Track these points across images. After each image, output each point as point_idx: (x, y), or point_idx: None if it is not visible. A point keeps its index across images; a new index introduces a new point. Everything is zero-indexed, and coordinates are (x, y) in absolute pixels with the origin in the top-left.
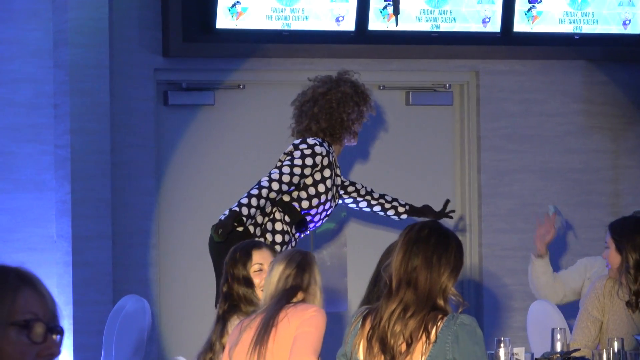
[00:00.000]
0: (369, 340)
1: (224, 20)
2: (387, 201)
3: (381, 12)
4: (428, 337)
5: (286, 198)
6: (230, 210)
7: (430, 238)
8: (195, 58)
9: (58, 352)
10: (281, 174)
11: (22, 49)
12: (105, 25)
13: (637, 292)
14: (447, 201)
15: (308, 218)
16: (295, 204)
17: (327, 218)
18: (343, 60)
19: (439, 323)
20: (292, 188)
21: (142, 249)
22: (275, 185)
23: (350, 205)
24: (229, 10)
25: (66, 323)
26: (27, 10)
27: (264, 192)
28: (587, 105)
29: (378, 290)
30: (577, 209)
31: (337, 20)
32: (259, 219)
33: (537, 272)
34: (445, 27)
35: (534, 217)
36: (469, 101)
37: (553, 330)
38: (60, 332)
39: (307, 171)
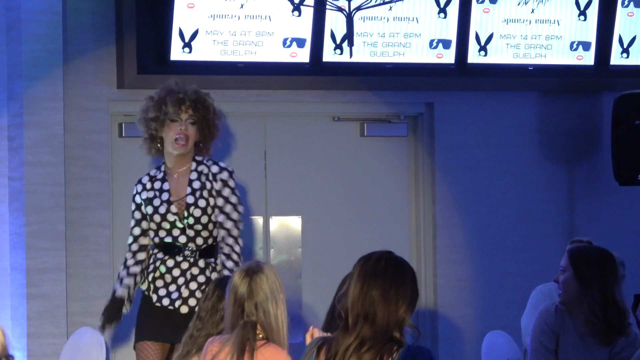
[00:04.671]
0: None
1: (178, 52)
2: (223, 253)
3: (335, 49)
4: None
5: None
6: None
7: (387, 270)
8: (150, 90)
9: None
10: None
11: None
12: (59, 57)
13: (594, 323)
14: None
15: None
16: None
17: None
18: (298, 91)
19: (394, 355)
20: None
21: (97, 281)
22: None
23: None
24: (184, 42)
25: (20, 356)
26: None
27: None
28: (541, 136)
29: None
30: (532, 239)
31: (292, 52)
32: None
33: None
34: (399, 58)
35: (489, 248)
36: (424, 132)
37: None
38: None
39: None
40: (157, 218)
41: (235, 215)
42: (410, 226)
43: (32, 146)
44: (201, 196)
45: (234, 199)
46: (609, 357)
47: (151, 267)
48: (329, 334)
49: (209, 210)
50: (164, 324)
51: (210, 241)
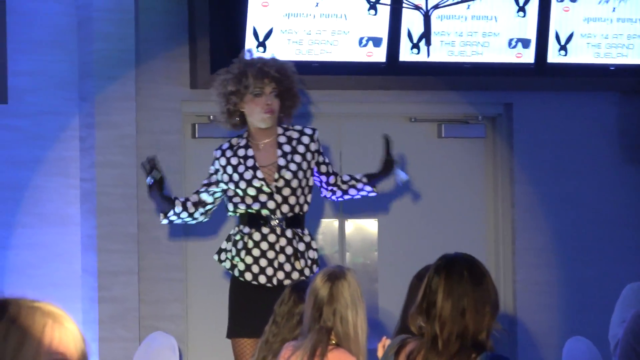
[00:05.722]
0: None
1: (252, 51)
2: (347, 184)
3: (412, 48)
4: None
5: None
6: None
7: (473, 279)
8: None
9: None
10: None
11: (47, 81)
12: (131, 56)
13: None
14: (386, 139)
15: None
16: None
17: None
18: (373, 91)
19: None
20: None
21: (170, 285)
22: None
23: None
24: (258, 41)
25: None
26: (52, 42)
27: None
28: (621, 137)
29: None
30: (612, 242)
31: (368, 51)
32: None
33: None
34: (477, 58)
35: (569, 251)
36: (502, 133)
37: None
38: None
39: (213, 179)
40: (242, 184)
41: (324, 159)
42: (489, 229)
43: (104, 147)
44: (292, 160)
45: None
46: None
47: (239, 243)
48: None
49: (300, 175)
50: (261, 314)
51: (296, 209)
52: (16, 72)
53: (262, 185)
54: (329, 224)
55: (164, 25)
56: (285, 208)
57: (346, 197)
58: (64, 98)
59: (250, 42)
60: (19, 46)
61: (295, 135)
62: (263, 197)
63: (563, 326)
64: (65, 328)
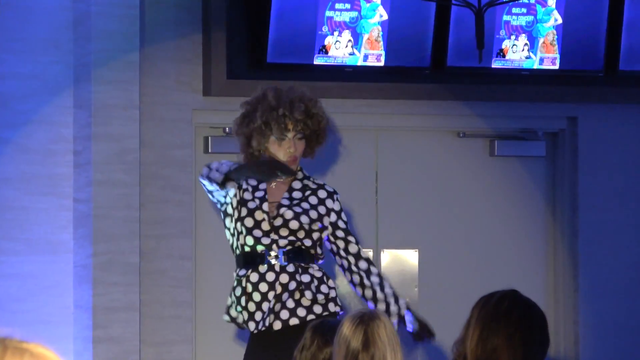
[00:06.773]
0: None
1: (276, 54)
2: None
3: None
4: None
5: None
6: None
7: (511, 313)
8: (241, 97)
9: None
10: None
11: (38, 86)
12: (135, 58)
13: None
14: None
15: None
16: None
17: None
18: (416, 101)
19: None
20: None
21: (176, 323)
22: None
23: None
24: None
25: None
26: (44, 41)
27: None
28: None
29: None
30: None
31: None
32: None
33: None
34: (537, 64)
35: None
36: (565, 152)
37: None
38: None
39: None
40: (243, 211)
41: (342, 224)
42: (548, 263)
43: (102, 162)
44: (298, 205)
45: (343, 216)
46: None
47: (238, 289)
48: None
49: (303, 219)
50: None
51: (297, 244)
52: (1, 75)
53: (263, 219)
54: None
55: (174, 23)
56: (282, 242)
57: (358, 289)
58: (56, 105)
59: (273, 42)
60: (5, 46)
61: (312, 186)
62: (258, 233)
63: None
64: None
